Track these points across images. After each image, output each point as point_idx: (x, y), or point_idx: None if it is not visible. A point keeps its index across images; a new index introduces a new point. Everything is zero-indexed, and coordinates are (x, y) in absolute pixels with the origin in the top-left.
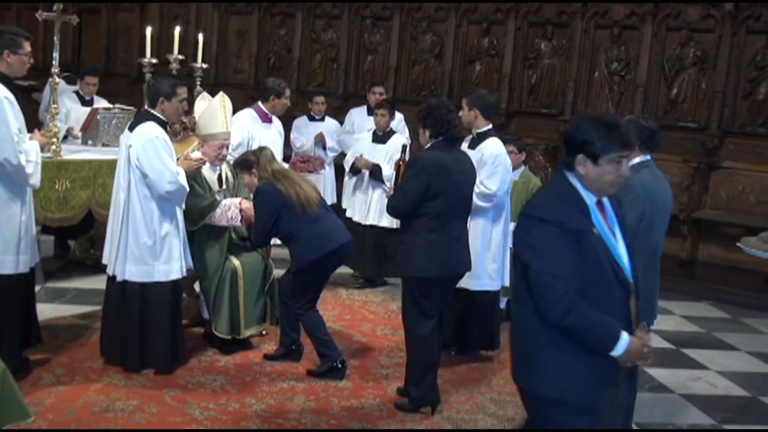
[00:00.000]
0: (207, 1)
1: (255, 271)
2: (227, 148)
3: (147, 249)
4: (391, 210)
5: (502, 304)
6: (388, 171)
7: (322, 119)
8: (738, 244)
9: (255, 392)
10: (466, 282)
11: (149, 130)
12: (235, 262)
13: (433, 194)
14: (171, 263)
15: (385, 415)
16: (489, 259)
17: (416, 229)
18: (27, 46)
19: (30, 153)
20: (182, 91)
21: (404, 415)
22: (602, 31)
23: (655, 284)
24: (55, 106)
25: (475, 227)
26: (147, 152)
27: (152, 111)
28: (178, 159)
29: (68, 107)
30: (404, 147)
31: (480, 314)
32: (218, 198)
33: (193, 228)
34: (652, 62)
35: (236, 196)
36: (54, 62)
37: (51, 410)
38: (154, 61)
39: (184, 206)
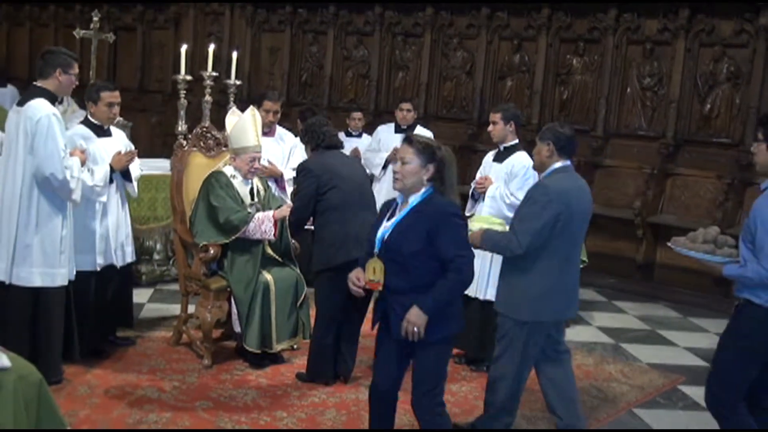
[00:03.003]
0: (240, 19)
1: (287, 286)
2: (259, 161)
3: None
4: (292, 217)
5: None
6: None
7: (359, 135)
8: (668, 243)
9: (286, 406)
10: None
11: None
12: (268, 276)
13: (325, 189)
14: None
15: (416, 428)
16: None
17: (323, 224)
18: (76, 68)
19: (73, 169)
20: (106, 96)
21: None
22: (634, 46)
23: (578, 277)
24: None
25: None
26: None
27: (87, 114)
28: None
29: None
30: None
31: None
32: (251, 211)
33: (225, 241)
34: (684, 78)
35: (268, 209)
36: (90, 79)
37: (85, 421)
38: (189, 78)
39: (222, 219)
